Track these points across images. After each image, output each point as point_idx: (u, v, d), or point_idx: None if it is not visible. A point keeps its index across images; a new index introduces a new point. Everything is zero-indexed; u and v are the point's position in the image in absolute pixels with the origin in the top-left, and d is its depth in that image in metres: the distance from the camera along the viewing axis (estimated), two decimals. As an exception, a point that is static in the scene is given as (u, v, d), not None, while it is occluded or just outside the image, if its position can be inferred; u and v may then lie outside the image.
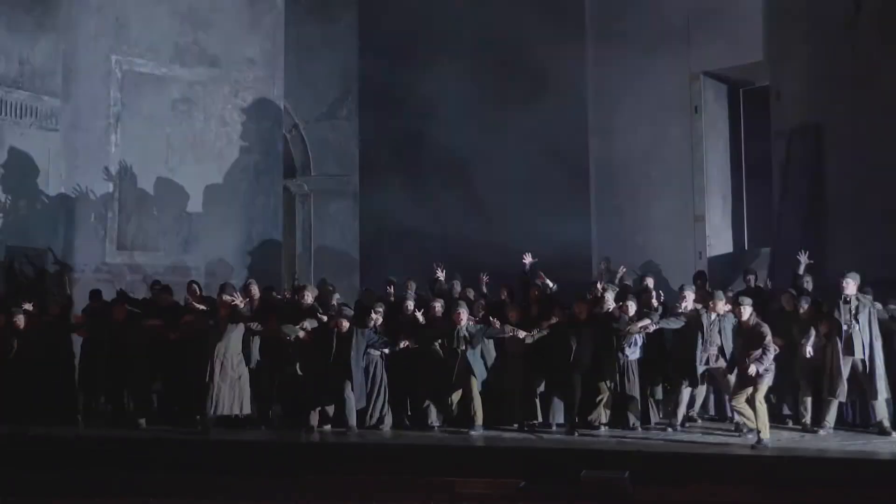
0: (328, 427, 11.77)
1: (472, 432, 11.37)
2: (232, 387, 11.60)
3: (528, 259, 12.66)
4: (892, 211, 13.95)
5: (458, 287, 12.93)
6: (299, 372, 11.85)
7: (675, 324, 11.49)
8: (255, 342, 11.94)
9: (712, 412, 12.43)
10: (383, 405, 11.84)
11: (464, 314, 11.60)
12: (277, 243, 15.60)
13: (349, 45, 17.87)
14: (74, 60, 14.29)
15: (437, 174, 16.80)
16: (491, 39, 16.52)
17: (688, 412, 11.65)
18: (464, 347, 11.54)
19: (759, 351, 10.37)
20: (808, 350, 11.19)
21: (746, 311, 10.65)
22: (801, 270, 12.21)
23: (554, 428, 11.64)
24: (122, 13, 14.59)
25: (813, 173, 15.19)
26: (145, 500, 9.81)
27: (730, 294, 12.03)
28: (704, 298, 11.81)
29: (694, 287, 12.28)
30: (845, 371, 11.00)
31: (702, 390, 11.69)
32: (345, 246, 17.70)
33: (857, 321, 10.99)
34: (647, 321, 11.45)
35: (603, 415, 11.49)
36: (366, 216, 17.62)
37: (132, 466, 10.74)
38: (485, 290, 12.87)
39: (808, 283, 12.26)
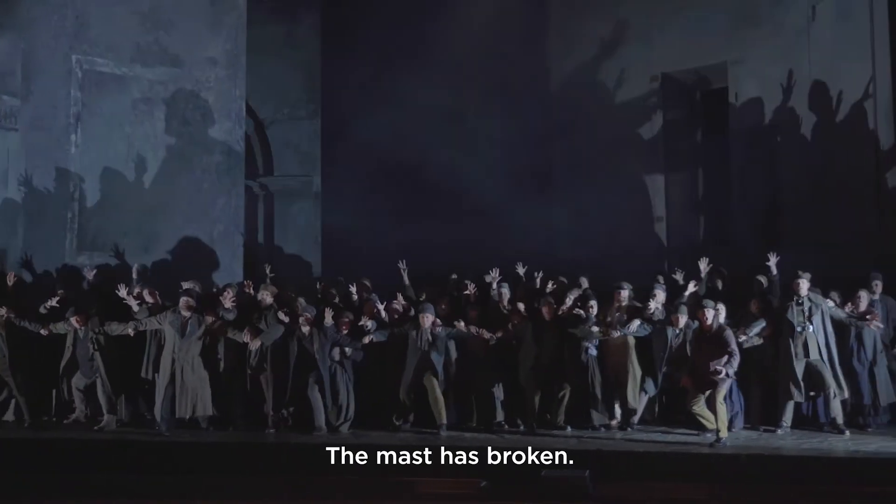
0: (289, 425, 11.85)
1: (442, 433, 11.42)
2: (194, 388, 11.69)
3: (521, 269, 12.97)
4: (845, 210, 14.25)
5: (410, 291, 13.00)
6: (265, 368, 11.85)
7: (641, 332, 11.56)
8: (221, 343, 11.97)
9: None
10: (348, 407, 11.87)
11: (429, 317, 11.67)
12: (239, 243, 15.53)
13: (312, 45, 17.83)
14: (34, 59, 14.11)
15: (400, 175, 16.80)
16: (453, 40, 16.53)
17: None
18: (426, 349, 11.62)
19: (725, 358, 10.44)
20: (752, 331, 11.27)
21: (710, 315, 10.67)
22: (767, 280, 11.91)
23: (521, 427, 11.73)
24: (83, 12, 14.40)
25: (769, 173, 15.47)
26: (134, 502, 9.81)
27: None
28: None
29: (664, 286, 12.34)
30: (799, 373, 11.16)
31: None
32: (306, 246, 17.67)
33: (811, 323, 11.14)
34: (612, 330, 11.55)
35: (563, 415, 11.59)
36: (327, 217, 17.60)
37: (110, 467, 10.70)
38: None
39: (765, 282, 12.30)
